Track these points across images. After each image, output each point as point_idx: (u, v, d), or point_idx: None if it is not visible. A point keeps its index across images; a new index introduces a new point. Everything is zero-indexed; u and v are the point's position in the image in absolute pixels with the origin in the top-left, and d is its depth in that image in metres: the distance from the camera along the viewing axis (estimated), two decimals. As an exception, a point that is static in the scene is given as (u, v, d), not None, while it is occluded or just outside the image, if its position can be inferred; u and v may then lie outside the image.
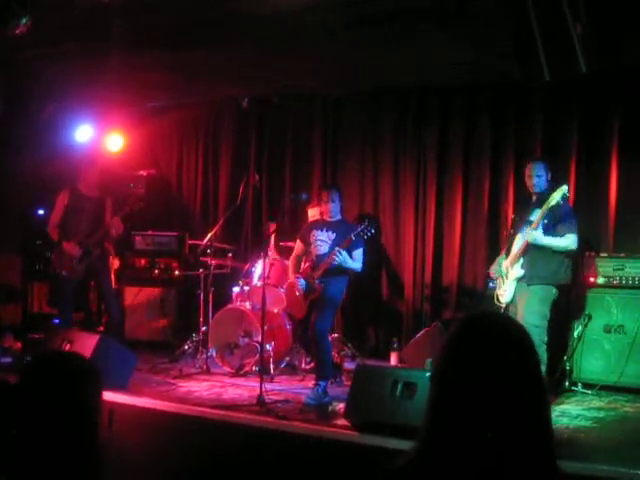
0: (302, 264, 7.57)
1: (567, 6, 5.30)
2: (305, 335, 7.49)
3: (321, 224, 7.50)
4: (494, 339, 1.80)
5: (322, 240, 7.35)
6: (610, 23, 5.59)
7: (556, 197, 6.56)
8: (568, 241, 6.71)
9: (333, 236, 7.31)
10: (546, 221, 6.67)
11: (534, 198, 6.92)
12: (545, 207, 6.62)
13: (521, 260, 6.80)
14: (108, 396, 6.35)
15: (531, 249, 6.76)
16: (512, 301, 6.85)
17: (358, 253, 7.17)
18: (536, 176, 6.87)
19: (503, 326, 1.86)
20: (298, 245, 7.67)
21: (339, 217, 7.48)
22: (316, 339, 7.04)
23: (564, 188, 6.59)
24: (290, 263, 7.74)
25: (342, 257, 6.97)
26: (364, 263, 7.28)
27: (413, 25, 6.63)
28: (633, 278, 7.14)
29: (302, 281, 7.30)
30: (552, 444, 1.77)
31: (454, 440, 1.73)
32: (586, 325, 7.17)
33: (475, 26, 6.43)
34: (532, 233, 6.66)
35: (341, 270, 7.15)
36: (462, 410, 1.73)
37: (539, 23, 5.40)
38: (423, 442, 1.79)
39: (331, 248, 7.19)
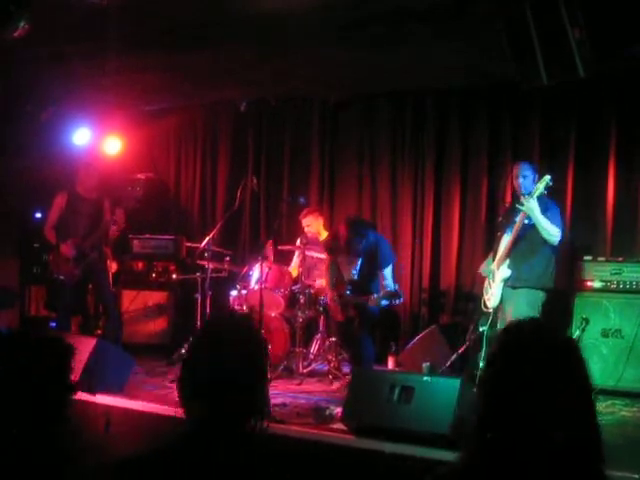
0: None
1: (565, 10, 5.31)
2: (343, 333, 7.83)
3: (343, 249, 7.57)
4: (541, 346, 1.82)
5: (351, 266, 7.61)
6: (608, 27, 5.59)
7: (540, 187, 6.55)
8: (555, 230, 6.66)
9: (359, 261, 7.57)
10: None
11: (522, 200, 6.89)
12: (531, 195, 6.61)
13: (507, 261, 6.78)
14: (105, 400, 6.34)
15: (516, 250, 6.75)
16: (499, 305, 6.84)
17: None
18: (522, 176, 6.81)
19: (548, 333, 1.87)
20: (327, 257, 7.89)
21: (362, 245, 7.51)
22: (359, 346, 7.51)
23: (547, 178, 6.56)
24: (324, 273, 7.95)
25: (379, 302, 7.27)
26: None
27: (411, 28, 6.64)
28: (631, 282, 7.13)
29: (339, 302, 7.60)
30: (600, 447, 1.76)
31: (502, 445, 1.72)
32: (583, 329, 7.15)
33: (473, 29, 6.43)
34: (530, 201, 6.57)
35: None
36: (510, 417, 1.73)
37: (537, 27, 5.41)
38: (472, 448, 1.79)
39: (360, 274, 7.56)
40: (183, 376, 2.22)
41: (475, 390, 1.89)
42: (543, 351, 1.80)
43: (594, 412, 1.81)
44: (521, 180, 6.82)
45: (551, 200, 6.82)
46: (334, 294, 7.63)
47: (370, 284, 7.50)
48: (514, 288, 6.75)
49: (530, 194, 6.60)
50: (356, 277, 7.60)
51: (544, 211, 6.63)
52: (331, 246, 7.80)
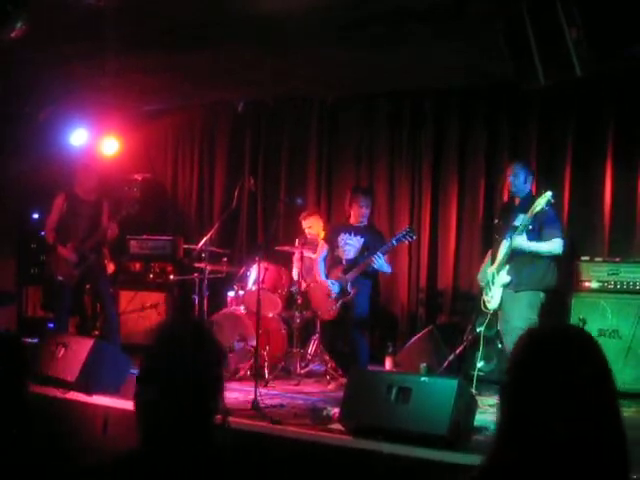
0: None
1: (562, 11, 5.31)
2: (330, 338, 7.79)
3: (349, 228, 7.70)
4: (565, 349, 1.80)
5: (351, 244, 7.61)
6: (605, 27, 5.60)
7: (541, 203, 6.46)
8: (553, 245, 6.63)
9: (362, 241, 7.58)
10: (531, 227, 6.60)
11: (517, 202, 6.88)
12: (530, 213, 6.53)
13: (507, 267, 6.75)
14: (102, 400, 6.34)
15: (516, 255, 6.71)
16: (499, 307, 6.83)
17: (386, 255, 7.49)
18: (513, 175, 6.84)
19: (573, 336, 1.86)
20: (322, 245, 7.86)
21: (366, 222, 7.72)
22: (353, 344, 7.48)
23: (548, 195, 6.47)
24: (316, 264, 7.88)
25: (380, 261, 7.31)
26: None
27: (411, 28, 6.64)
28: (628, 283, 7.13)
29: (336, 286, 7.53)
30: (626, 451, 1.76)
31: (527, 452, 1.72)
32: (581, 330, 7.15)
33: (473, 29, 6.43)
34: (516, 239, 6.57)
35: (369, 274, 7.54)
36: (535, 422, 1.73)
37: (534, 27, 5.41)
38: (494, 454, 1.79)
39: (360, 253, 7.53)
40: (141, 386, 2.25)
41: (497, 397, 1.88)
42: (570, 354, 1.79)
43: (620, 414, 1.81)
44: (512, 178, 6.86)
45: (551, 209, 6.73)
46: (328, 282, 7.61)
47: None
48: (516, 292, 6.73)
49: (521, 227, 6.57)
50: (352, 255, 7.58)
51: (542, 226, 6.59)
52: (331, 232, 7.85)
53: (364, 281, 7.58)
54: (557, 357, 1.78)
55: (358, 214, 7.64)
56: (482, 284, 7.09)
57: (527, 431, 1.73)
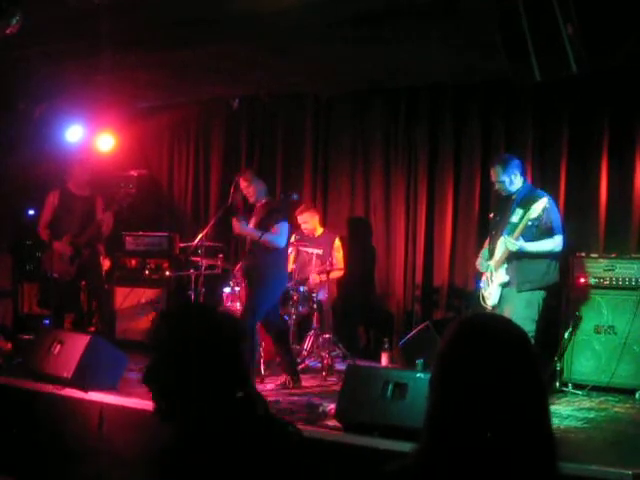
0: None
1: (558, 7, 5.31)
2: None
3: (251, 214, 7.54)
4: (492, 340, 1.78)
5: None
6: (601, 24, 5.60)
7: (537, 210, 6.34)
8: (554, 243, 6.58)
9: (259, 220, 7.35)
10: (529, 224, 6.48)
11: (513, 196, 6.79)
12: (526, 218, 6.42)
13: (505, 265, 6.67)
14: (98, 397, 6.34)
15: (515, 255, 6.68)
16: (497, 304, 6.77)
17: (279, 227, 7.16)
18: (498, 182, 6.73)
19: (500, 327, 1.84)
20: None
21: (264, 200, 7.49)
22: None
23: (545, 201, 6.37)
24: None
25: (240, 224, 7.11)
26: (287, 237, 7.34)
27: (404, 24, 6.64)
28: (623, 279, 7.13)
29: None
30: (553, 444, 1.76)
31: (454, 442, 1.72)
32: (576, 326, 7.17)
33: (466, 26, 6.43)
34: (515, 244, 6.46)
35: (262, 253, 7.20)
36: (462, 413, 1.72)
37: (530, 24, 5.41)
38: (423, 444, 1.79)
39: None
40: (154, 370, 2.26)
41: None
42: (496, 345, 1.78)
43: (547, 408, 1.80)
44: (498, 186, 6.77)
45: (551, 209, 6.62)
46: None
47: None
48: (519, 291, 6.62)
49: (511, 231, 6.54)
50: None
51: (543, 224, 6.52)
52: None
53: (261, 261, 7.26)
54: (483, 349, 1.76)
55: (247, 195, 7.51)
56: (482, 270, 6.99)
57: (453, 421, 1.74)
